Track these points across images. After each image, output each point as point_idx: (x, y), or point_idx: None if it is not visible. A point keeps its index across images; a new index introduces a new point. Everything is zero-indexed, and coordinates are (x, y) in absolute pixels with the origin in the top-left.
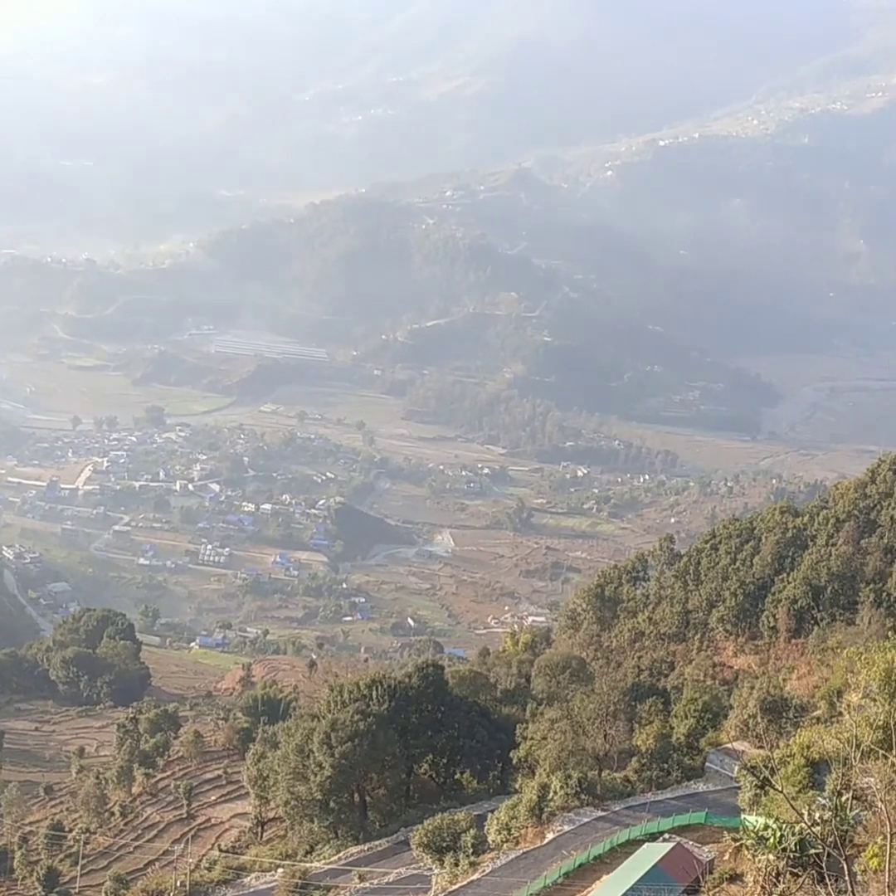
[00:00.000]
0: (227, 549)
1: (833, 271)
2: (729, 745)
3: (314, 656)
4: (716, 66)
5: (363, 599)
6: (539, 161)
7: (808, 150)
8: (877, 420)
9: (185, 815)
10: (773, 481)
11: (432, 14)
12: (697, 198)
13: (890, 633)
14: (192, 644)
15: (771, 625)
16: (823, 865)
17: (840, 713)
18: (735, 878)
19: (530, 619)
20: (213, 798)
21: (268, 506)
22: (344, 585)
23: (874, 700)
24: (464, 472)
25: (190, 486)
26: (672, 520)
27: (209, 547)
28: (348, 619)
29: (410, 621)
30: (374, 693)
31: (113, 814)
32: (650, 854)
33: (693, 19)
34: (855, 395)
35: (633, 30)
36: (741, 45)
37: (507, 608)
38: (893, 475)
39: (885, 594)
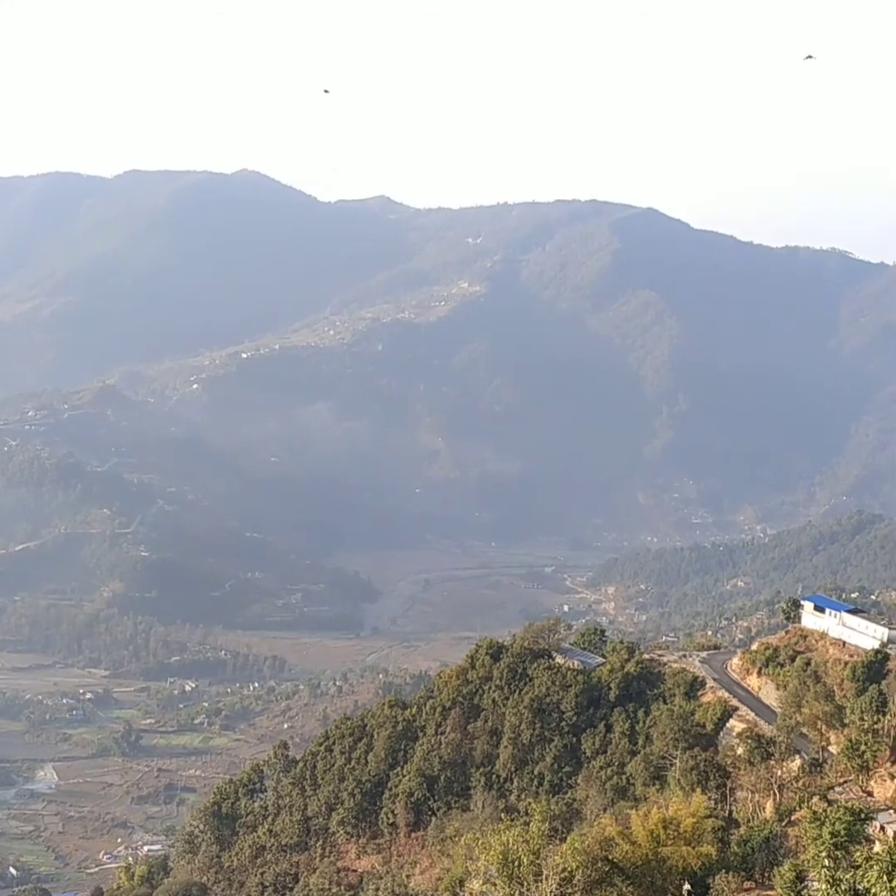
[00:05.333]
0: None
1: (417, 468)
2: None
3: None
4: (291, 282)
5: None
6: (124, 377)
7: (383, 355)
8: (470, 607)
9: None
10: (380, 676)
11: (3, 238)
12: (283, 405)
13: (503, 816)
14: None
15: (390, 821)
16: None
17: None
18: None
19: (146, 848)
20: None
21: None
22: None
23: (494, 885)
24: (65, 700)
25: None
26: (285, 726)
27: None
28: None
29: (12, 871)
30: None
31: None
32: None
33: (267, 238)
34: (449, 585)
35: (208, 249)
36: (312, 262)
37: (120, 840)
38: (491, 659)
39: (494, 776)
